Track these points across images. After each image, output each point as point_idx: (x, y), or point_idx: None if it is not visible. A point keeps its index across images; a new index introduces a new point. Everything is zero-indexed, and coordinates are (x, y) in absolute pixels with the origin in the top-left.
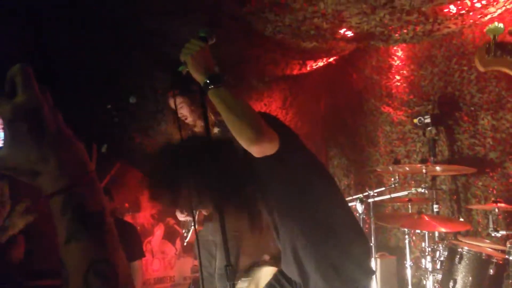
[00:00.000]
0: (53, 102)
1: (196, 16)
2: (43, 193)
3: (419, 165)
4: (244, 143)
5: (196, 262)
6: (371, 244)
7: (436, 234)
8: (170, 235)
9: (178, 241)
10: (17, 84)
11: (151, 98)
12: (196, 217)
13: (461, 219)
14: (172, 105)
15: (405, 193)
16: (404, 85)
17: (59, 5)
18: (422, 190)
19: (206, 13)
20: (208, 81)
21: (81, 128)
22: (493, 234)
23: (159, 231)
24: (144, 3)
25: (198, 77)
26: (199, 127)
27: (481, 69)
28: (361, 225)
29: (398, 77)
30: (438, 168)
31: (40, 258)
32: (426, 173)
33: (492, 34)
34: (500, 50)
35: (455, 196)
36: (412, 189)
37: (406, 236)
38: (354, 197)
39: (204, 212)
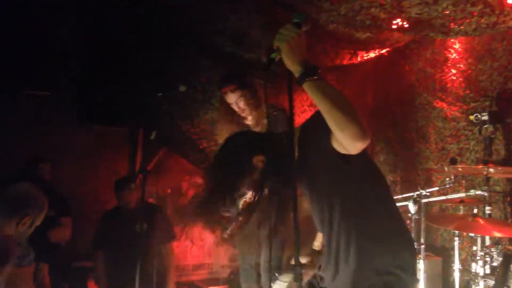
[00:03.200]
0: None
1: (245, 5)
2: None
3: (480, 166)
4: (349, 139)
5: (236, 252)
6: (422, 246)
7: (487, 237)
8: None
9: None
10: None
11: (198, 87)
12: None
13: None
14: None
15: (463, 194)
16: (460, 79)
17: None
18: (482, 192)
19: (256, 1)
20: (305, 72)
21: (132, 115)
22: None
23: None
24: None
25: (293, 66)
26: (253, 119)
27: None
28: (413, 225)
29: (454, 71)
30: (497, 169)
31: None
32: (486, 174)
33: None
34: None
35: (508, 198)
36: (471, 190)
37: (456, 238)
38: (406, 195)
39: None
